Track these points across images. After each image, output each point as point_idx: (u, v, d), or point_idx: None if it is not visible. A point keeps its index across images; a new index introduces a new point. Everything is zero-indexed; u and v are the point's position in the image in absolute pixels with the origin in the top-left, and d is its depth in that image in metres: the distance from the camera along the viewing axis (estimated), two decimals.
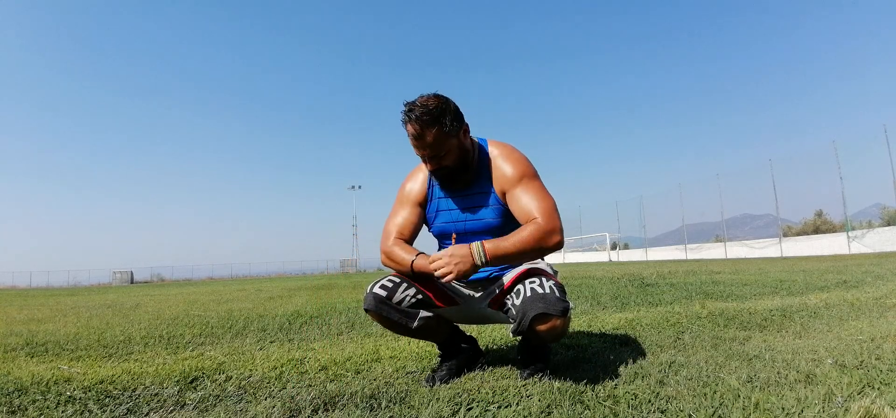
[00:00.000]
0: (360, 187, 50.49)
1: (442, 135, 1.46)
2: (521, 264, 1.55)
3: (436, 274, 1.41)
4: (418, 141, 1.48)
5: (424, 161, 1.55)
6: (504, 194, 1.55)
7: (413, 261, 1.51)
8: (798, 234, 20.73)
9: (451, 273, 1.38)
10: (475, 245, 1.40)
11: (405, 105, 1.48)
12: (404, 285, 1.54)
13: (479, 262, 1.39)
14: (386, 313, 1.51)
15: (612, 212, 31.50)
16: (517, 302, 1.41)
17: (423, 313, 1.55)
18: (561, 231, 1.45)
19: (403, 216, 1.65)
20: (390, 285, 1.53)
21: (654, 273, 7.76)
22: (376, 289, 1.52)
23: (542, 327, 1.36)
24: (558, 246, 1.45)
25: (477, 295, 1.62)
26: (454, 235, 1.65)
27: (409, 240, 1.63)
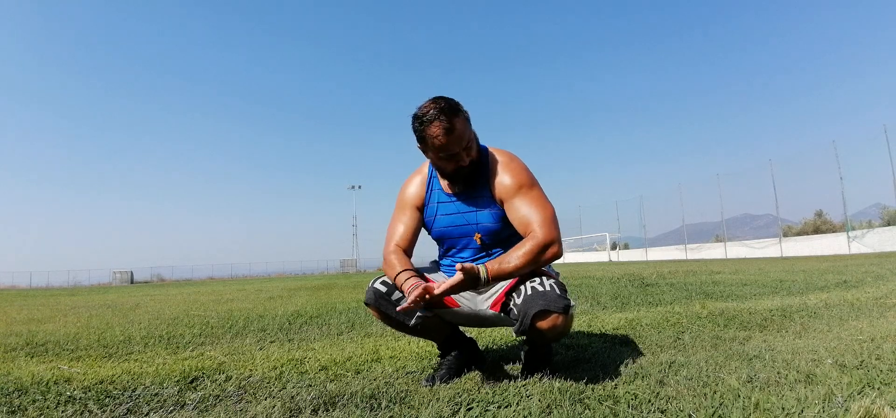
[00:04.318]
0: (360, 187, 50.57)
1: (465, 123, 1.49)
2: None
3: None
4: (450, 135, 1.45)
5: (450, 161, 1.52)
6: (502, 202, 1.56)
7: (397, 276, 1.50)
8: (798, 234, 20.74)
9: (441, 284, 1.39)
10: (480, 267, 1.40)
11: (419, 110, 1.47)
12: None
13: (481, 279, 1.40)
14: (384, 308, 1.54)
15: (612, 212, 31.35)
16: (519, 301, 1.42)
17: (421, 313, 1.54)
18: (558, 241, 1.47)
19: (403, 221, 1.67)
20: (392, 282, 1.54)
21: (654, 273, 7.76)
22: (377, 285, 1.55)
23: (544, 324, 1.37)
24: (556, 256, 1.47)
25: (478, 296, 1.62)
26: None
27: (409, 244, 1.65)
